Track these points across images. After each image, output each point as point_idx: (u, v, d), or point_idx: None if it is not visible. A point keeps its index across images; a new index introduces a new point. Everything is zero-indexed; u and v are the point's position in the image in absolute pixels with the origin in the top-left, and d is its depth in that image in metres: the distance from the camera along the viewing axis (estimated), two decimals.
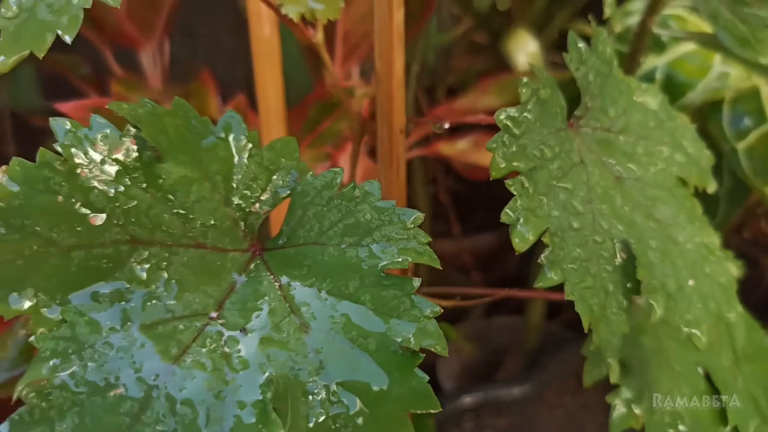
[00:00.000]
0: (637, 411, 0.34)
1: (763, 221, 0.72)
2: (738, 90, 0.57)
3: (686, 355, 0.37)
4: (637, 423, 0.34)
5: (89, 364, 0.21)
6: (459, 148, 0.82)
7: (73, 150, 0.23)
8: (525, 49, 0.89)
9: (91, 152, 0.23)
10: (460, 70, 1.01)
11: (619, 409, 0.34)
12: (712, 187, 0.34)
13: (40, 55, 0.22)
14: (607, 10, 0.41)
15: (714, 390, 0.37)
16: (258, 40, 0.35)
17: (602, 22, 0.50)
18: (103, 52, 0.69)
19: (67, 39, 0.22)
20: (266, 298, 0.24)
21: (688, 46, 0.58)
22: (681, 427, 0.34)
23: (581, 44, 0.31)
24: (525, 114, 0.28)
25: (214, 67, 0.95)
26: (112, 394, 0.21)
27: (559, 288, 0.34)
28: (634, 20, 0.59)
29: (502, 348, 0.86)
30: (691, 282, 0.29)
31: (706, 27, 0.56)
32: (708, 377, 0.38)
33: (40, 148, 0.22)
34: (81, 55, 0.78)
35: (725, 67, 0.57)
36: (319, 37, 0.36)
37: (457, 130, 0.86)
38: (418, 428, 0.47)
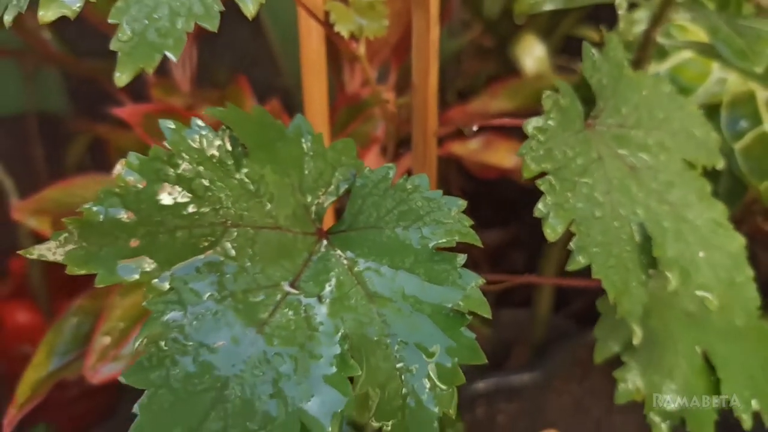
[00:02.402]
0: (639, 385, 0.38)
1: (760, 218, 0.76)
2: (735, 94, 0.61)
3: (688, 336, 0.42)
4: (640, 396, 0.39)
5: (194, 323, 0.26)
6: (470, 148, 0.86)
7: (178, 147, 0.27)
8: (532, 54, 0.94)
9: (192, 148, 0.27)
10: (469, 74, 1.05)
11: (624, 384, 0.38)
12: (720, 164, 0.39)
13: (151, 72, 0.26)
14: (621, 24, 0.45)
15: (710, 367, 0.41)
16: (307, 52, 0.40)
17: (609, 28, 0.54)
18: None
19: (173, 58, 0.26)
20: (335, 271, 0.29)
21: (689, 53, 0.62)
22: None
23: (594, 53, 0.36)
24: (548, 122, 0.32)
25: (234, 71, 1.00)
26: (216, 345, 0.25)
27: (572, 274, 0.38)
28: (638, 29, 0.63)
29: (510, 339, 0.90)
30: (701, 254, 0.33)
31: (707, 36, 0.61)
32: (706, 357, 0.42)
33: (153, 145, 0.27)
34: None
35: (723, 73, 0.61)
36: (361, 50, 0.40)
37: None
38: None
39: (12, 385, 0.77)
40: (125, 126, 0.76)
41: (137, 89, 0.83)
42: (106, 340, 0.49)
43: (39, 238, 0.78)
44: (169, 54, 0.26)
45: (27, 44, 0.73)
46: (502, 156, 0.85)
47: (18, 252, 0.26)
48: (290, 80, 1.00)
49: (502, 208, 1.08)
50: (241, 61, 1.05)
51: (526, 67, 0.93)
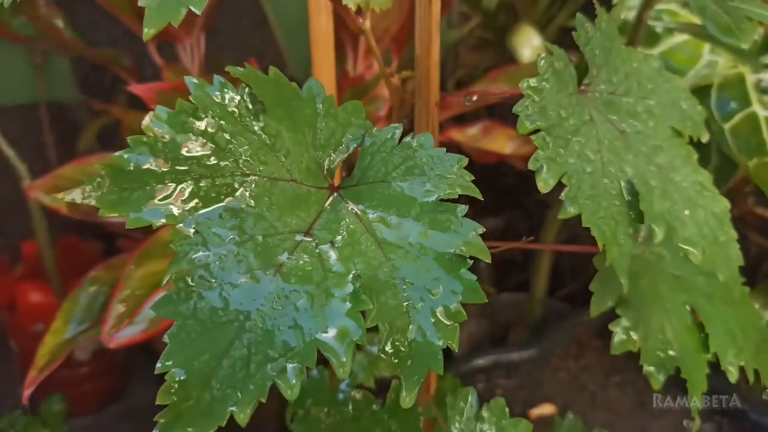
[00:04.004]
0: (634, 337, 0.41)
1: (751, 199, 0.78)
2: (725, 77, 0.63)
3: (676, 296, 0.44)
4: (634, 346, 0.41)
5: (217, 262, 0.28)
6: (469, 135, 0.88)
7: (202, 101, 0.29)
8: (530, 44, 0.96)
9: (215, 103, 0.30)
10: (468, 65, 1.08)
11: (619, 335, 0.40)
12: (705, 137, 0.41)
13: (176, 25, 0.28)
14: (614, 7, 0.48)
15: (699, 325, 0.44)
16: (316, 30, 0.42)
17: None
18: (147, 45, 0.76)
19: (197, 11, 0.28)
20: (346, 221, 0.31)
21: (680, 38, 0.65)
22: (670, 352, 0.41)
23: (587, 24, 0.38)
24: (543, 83, 0.35)
25: (238, 61, 1.01)
26: (238, 282, 0.28)
27: (568, 240, 0.40)
28: (631, 15, 0.66)
29: (508, 321, 0.93)
30: (687, 212, 0.35)
31: (695, 20, 0.63)
32: (697, 320, 0.44)
33: (178, 99, 0.29)
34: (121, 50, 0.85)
35: (713, 56, 0.64)
36: (367, 24, 0.42)
37: (467, 119, 0.93)
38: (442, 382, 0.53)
39: (28, 361, 0.79)
40: (136, 108, 0.78)
41: (144, 75, 0.85)
42: (122, 307, 0.52)
43: (52, 222, 0.81)
44: (193, 8, 0.28)
45: (41, 32, 0.76)
46: (502, 143, 0.88)
47: (57, 196, 0.28)
48: (295, 71, 1.03)
49: (499, 196, 1.10)
50: (246, 53, 1.07)
51: (523, 56, 0.95)
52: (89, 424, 0.89)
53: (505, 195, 1.12)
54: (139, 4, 0.28)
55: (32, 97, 0.98)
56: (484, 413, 0.40)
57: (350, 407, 0.41)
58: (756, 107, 0.62)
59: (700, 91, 0.63)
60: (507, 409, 0.40)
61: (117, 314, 0.51)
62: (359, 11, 0.41)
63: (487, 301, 0.29)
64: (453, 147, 0.91)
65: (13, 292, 0.84)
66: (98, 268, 0.57)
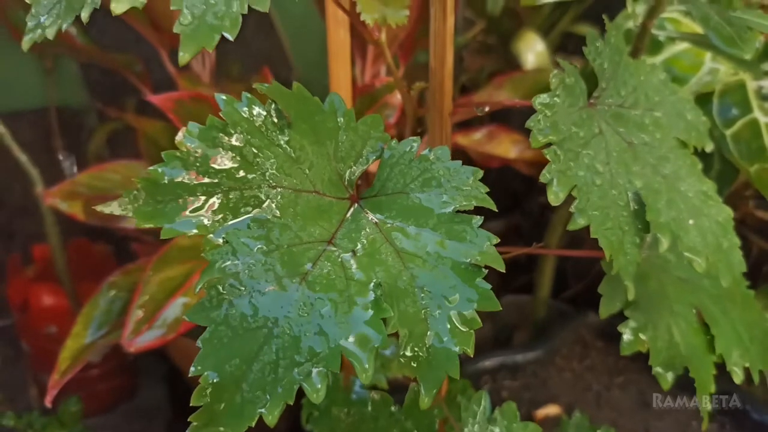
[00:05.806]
0: (643, 337, 0.42)
1: (752, 202, 0.80)
2: (726, 84, 0.65)
3: (683, 297, 0.45)
4: (643, 347, 0.42)
5: (246, 271, 0.29)
6: (474, 139, 0.90)
7: (231, 117, 0.31)
8: (533, 49, 0.97)
9: (243, 119, 0.31)
10: (472, 70, 1.09)
11: (628, 336, 0.42)
12: (709, 147, 0.42)
13: (211, 50, 0.30)
14: (629, 8, 0.49)
15: (705, 326, 0.45)
16: (334, 43, 0.43)
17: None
18: (160, 52, 0.77)
19: (230, 37, 0.30)
20: (366, 230, 0.32)
21: (682, 46, 0.66)
22: (678, 353, 0.42)
23: (597, 39, 0.40)
24: (555, 98, 0.36)
25: (248, 66, 1.03)
26: (266, 290, 0.29)
27: (572, 242, 0.41)
28: (636, 22, 0.67)
29: (513, 322, 0.94)
30: (691, 221, 0.37)
31: (698, 29, 0.65)
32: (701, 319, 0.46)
33: (209, 115, 0.30)
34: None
35: (715, 64, 0.65)
36: (383, 37, 0.44)
37: (472, 124, 0.94)
38: (452, 384, 0.55)
39: (39, 362, 0.80)
40: (146, 113, 0.79)
41: (154, 81, 0.87)
42: (141, 312, 0.53)
43: (64, 225, 0.82)
44: (226, 34, 0.29)
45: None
46: (506, 147, 0.89)
47: (96, 207, 0.29)
48: (299, 75, 1.04)
49: (504, 198, 1.12)
50: (254, 58, 1.08)
51: (527, 62, 0.96)
52: (101, 423, 0.90)
53: (510, 198, 1.14)
54: (174, 30, 0.30)
55: (42, 102, 1.00)
56: (497, 416, 0.42)
57: (369, 407, 0.43)
58: (757, 114, 0.64)
59: (702, 98, 0.65)
60: (518, 413, 0.42)
61: (136, 319, 0.53)
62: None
63: (501, 309, 0.31)
64: (458, 151, 0.93)
65: (26, 294, 0.85)
66: (116, 273, 0.58)
